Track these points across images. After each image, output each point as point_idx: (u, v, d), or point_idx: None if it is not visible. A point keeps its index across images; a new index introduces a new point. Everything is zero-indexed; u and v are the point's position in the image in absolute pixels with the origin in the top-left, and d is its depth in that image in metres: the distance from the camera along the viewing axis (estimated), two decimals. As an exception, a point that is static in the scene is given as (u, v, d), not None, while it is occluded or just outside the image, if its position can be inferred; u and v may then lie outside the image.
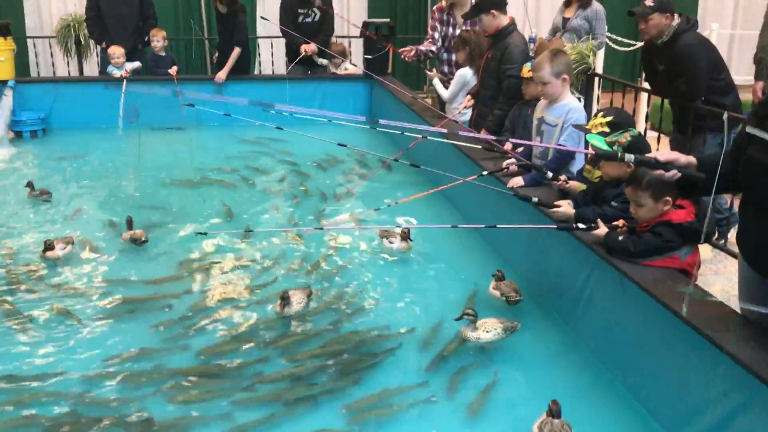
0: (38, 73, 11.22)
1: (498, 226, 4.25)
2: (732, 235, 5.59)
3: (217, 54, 9.31)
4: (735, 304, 3.20)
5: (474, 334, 3.92)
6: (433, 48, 7.74)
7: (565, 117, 4.79)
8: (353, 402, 3.53)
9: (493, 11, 5.89)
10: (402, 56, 7.98)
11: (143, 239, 5.31)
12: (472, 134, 5.31)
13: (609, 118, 3.92)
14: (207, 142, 8.33)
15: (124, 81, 8.76)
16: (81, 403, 3.48)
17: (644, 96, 7.70)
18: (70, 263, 5.06)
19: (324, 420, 3.39)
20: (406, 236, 5.45)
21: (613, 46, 10.52)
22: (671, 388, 3.21)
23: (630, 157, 3.11)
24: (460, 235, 5.40)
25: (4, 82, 8.60)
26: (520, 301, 4.38)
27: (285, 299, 4.21)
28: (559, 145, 4.72)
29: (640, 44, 10.26)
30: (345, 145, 5.06)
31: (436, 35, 7.75)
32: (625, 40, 10.81)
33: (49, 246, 4.86)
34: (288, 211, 6.26)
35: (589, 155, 4.30)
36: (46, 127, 8.81)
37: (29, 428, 3.30)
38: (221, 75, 9.09)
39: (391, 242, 5.56)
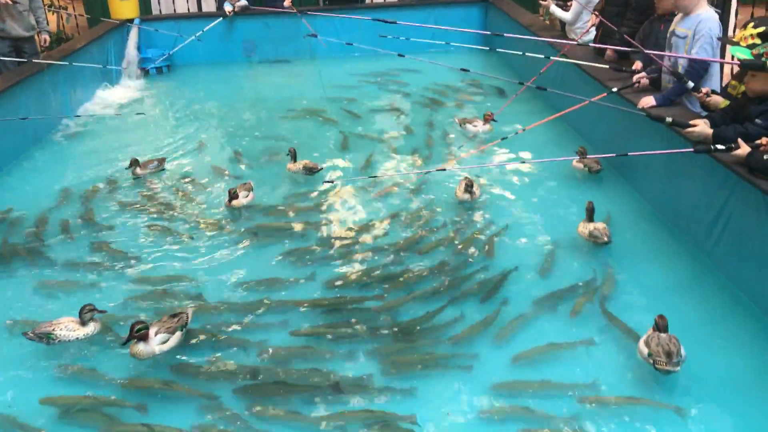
0: (159, 11, 11.58)
1: (629, 153, 4.05)
2: None
3: None
4: None
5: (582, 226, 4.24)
6: None
7: (696, 28, 4.44)
8: (475, 325, 3.55)
9: None
10: None
11: (319, 168, 5.45)
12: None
13: (761, 29, 3.59)
14: (323, 75, 8.40)
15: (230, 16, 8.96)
16: (210, 323, 3.66)
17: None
18: (209, 191, 5.32)
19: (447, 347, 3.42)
20: (489, 119, 6.02)
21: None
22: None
23: (781, 65, 2.85)
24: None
25: (130, 21, 8.95)
26: (600, 170, 5.04)
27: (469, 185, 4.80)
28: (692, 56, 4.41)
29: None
30: (467, 70, 4.95)
31: None
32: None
33: (233, 195, 4.91)
34: (407, 143, 6.25)
35: (732, 68, 3.99)
36: (170, 63, 9.15)
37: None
38: None
39: (474, 126, 6.05)
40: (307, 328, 3.59)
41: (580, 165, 5.11)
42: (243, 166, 5.85)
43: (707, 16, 4.49)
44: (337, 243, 4.46)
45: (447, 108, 7.10)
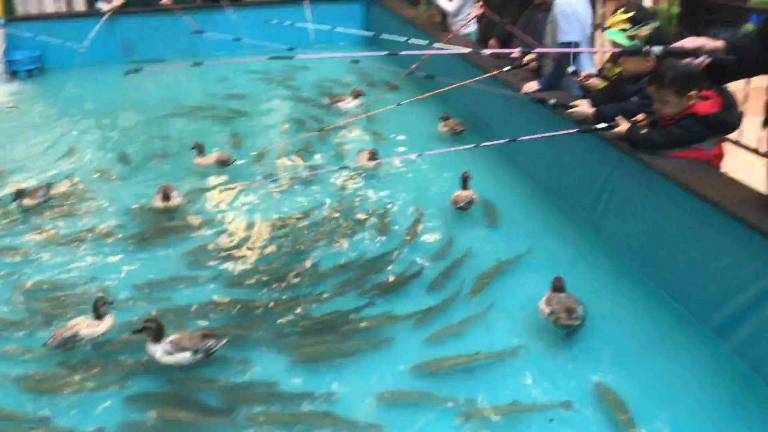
0: (26, 11, 10.92)
1: (519, 138, 4.19)
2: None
3: None
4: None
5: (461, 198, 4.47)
6: None
7: (554, 13, 4.73)
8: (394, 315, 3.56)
9: None
10: None
11: (232, 159, 5.41)
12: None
13: (630, 14, 3.87)
14: (209, 74, 8.22)
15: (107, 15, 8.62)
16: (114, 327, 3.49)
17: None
18: (97, 195, 5.08)
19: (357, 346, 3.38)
20: (358, 94, 6.54)
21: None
22: (701, 274, 3.27)
23: (656, 49, 3.06)
24: (476, 152, 5.34)
25: (-7, 22, 8.39)
26: (463, 132, 5.69)
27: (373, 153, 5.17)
28: (563, 42, 4.64)
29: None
30: (358, 61, 5.00)
31: None
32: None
33: (167, 196, 4.69)
34: (298, 136, 6.20)
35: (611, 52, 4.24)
36: (41, 65, 8.65)
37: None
38: None
39: (347, 103, 6.55)
40: (212, 328, 3.47)
41: (445, 128, 5.82)
42: (131, 168, 5.62)
43: (559, 1, 4.72)
44: (240, 241, 4.37)
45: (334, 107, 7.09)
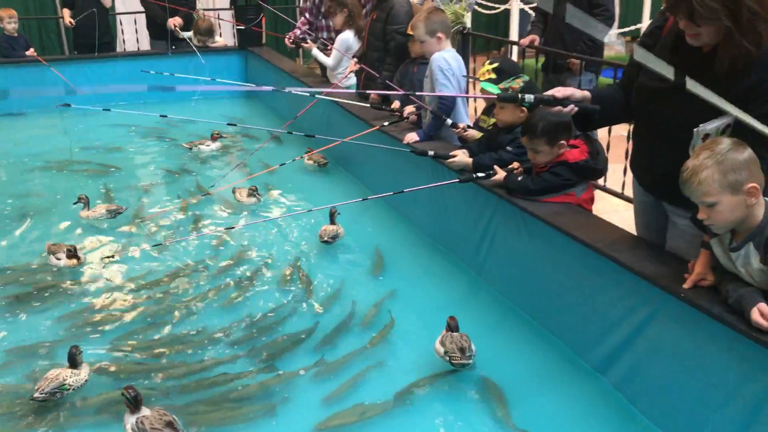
0: None
1: (405, 190, 4.25)
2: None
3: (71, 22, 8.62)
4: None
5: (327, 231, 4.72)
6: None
7: (431, 69, 4.91)
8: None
9: (375, -28, 5.91)
10: (286, 43, 7.85)
11: (123, 208, 5.30)
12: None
13: (495, 65, 4.13)
14: (78, 127, 7.87)
15: None
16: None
17: (515, 50, 8.08)
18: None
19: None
20: (216, 137, 6.83)
21: (479, 9, 10.87)
22: (579, 312, 3.43)
23: (530, 97, 3.26)
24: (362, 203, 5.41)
25: None
26: (327, 164, 6.26)
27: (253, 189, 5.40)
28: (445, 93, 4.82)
29: (503, 7, 10.75)
30: (234, 125, 4.98)
31: (307, 15, 7.71)
32: (490, 3, 11.22)
33: (73, 254, 4.50)
34: (175, 189, 6.06)
35: (476, 106, 4.47)
36: None
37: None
38: None
39: (207, 145, 6.80)
40: (92, 398, 3.24)
41: (311, 161, 6.28)
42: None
43: (435, 57, 4.88)
44: (123, 302, 4.15)
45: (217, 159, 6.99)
